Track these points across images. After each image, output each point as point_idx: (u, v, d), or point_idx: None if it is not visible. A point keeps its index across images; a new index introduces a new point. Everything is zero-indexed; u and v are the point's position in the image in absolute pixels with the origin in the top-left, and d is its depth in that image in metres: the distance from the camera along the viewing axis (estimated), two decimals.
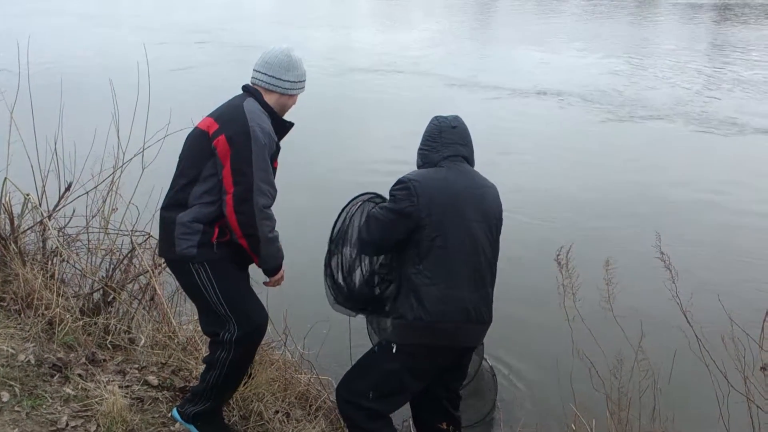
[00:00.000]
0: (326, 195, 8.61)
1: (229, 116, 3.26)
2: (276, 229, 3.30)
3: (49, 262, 4.64)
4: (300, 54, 3.50)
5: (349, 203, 3.77)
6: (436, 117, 3.67)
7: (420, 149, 3.63)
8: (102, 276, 4.84)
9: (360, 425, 3.50)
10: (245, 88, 3.45)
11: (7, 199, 4.64)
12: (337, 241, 3.73)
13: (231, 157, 3.15)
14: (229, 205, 3.15)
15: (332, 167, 9.71)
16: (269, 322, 4.14)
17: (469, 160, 3.60)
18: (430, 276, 3.31)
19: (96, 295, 4.73)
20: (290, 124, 3.51)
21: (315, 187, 8.76)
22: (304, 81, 3.50)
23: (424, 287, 3.31)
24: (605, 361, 3.54)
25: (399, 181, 3.43)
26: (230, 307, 3.27)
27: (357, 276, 3.73)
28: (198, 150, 3.27)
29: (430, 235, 3.32)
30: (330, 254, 3.73)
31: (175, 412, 3.47)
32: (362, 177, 8.69)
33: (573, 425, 3.44)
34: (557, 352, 4.33)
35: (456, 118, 3.65)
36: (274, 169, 3.40)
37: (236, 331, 3.25)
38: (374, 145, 10.97)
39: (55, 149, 4.99)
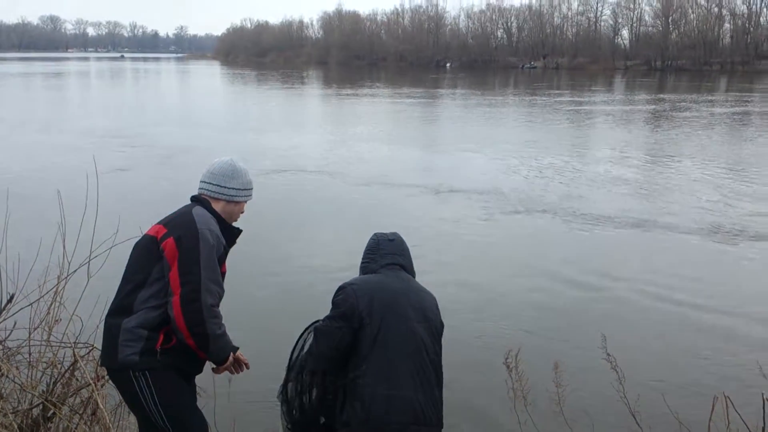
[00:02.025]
0: (276, 304, 8.64)
1: (178, 221, 3.35)
2: (223, 325, 3.34)
3: None
4: (245, 165, 3.65)
5: (304, 331, 3.80)
6: (375, 233, 3.87)
7: (361, 263, 3.76)
8: (42, 390, 4.68)
9: None
10: (193, 198, 3.55)
11: None
12: (295, 368, 3.73)
13: (179, 258, 3.21)
14: (176, 305, 3.17)
15: (277, 274, 9.72)
16: None
17: (407, 269, 3.72)
18: (372, 377, 3.30)
19: (35, 411, 4.56)
20: (238, 231, 3.59)
21: (267, 295, 8.74)
22: (251, 189, 3.63)
23: (368, 388, 3.29)
24: None
25: (338, 288, 3.53)
26: (169, 418, 3.24)
27: (313, 394, 3.69)
28: (146, 255, 3.31)
29: (371, 335, 3.35)
30: (286, 381, 3.73)
31: None
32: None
33: None
34: None
35: (394, 233, 3.86)
36: (223, 273, 3.45)
37: None
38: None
39: None
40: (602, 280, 9.39)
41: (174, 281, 3.19)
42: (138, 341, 3.21)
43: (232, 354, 3.50)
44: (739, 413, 3.11)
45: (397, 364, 3.33)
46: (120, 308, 3.29)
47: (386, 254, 3.69)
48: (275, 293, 8.92)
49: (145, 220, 3.64)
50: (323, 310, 3.56)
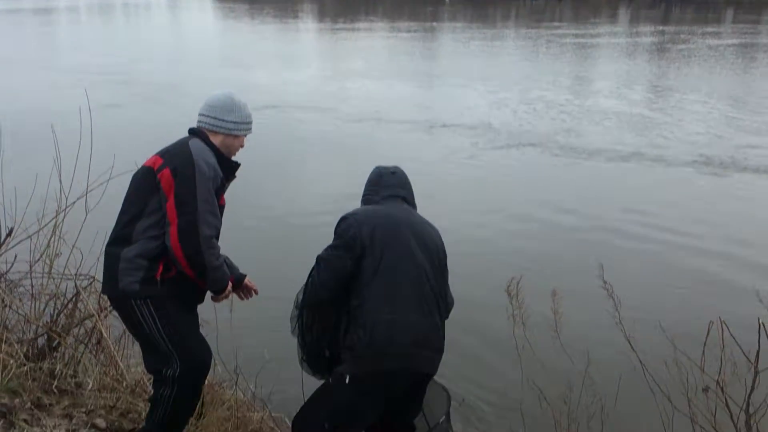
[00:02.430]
0: (274, 237, 8.70)
1: (175, 152, 3.34)
2: (220, 256, 3.35)
3: None
4: (243, 99, 3.60)
5: (313, 269, 3.83)
6: (377, 166, 3.86)
7: (363, 196, 3.77)
8: (46, 321, 4.74)
9: None
10: (191, 131, 3.52)
11: None
12: (303, 304, 3.79)
13: (175, 189, 3.20)
14: (173, 236, 3.18)
15: (280, 208, 9.75)
16: (220, 362, 4.14)
17: (409, 201, 3.73)
18: (375, 303, 3.35)
19: (41, 341, 4.63)
20: (236, 164, 3.57)
21: (263, 228, 8.79)
22: (250, 123, 3.59)
23: (370, 315, 3.34)
24: (554, 388, 3.63)
25: (340, 219, 3.55)
26: (172, 342, 3.27)
27: (315, 329, 3.76)
28: (143, 185, 3.31)
29: (374, 263, 3.38)
30: (299, 317, 3.78)
31: None
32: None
33: None
34: (508, 380, 4.41)
35: (396, 167, 3.85)
36: (222, 206, 3.45)
37: (179, 367, 3.26)
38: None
39: None
40: (597, 211, 9.46)
41: (171, 212, 3.20)
42: (138, 270, 3.23)
43: (230, 283, 3.53)
44: (734, 337, 3.17)
45: (398, 290, 3.37)
46: (119, 238, 3.30)
47: (388, 186, 3.69)
48: (272, 226, 8.98)
49: (140, 154, 3.62)
50: (321, 241, 3.58)
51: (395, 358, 3.35)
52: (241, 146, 3.61)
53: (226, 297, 3.55)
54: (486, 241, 8.41)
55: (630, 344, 3.49)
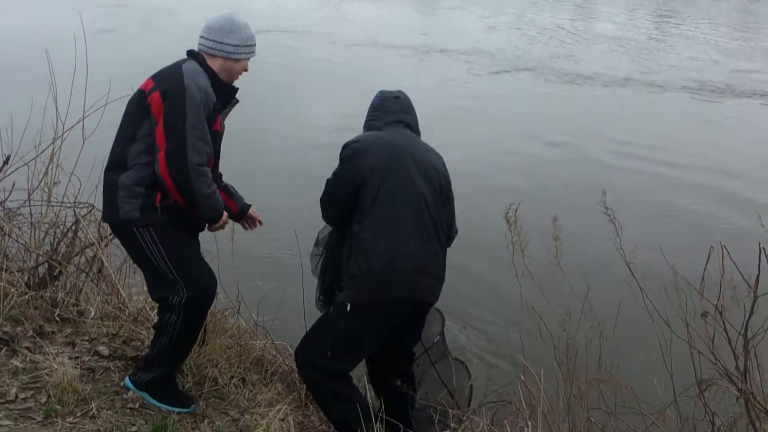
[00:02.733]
0: (271, 168, 8.64)
1: (166, 74, 3.25)
2: (213, 183, 3.28)
3: None
4: (245, 20, 3.44)
5: None
6: (380, 90, 3.79)
7: (365, 121, 3.71)
8: (46, 250, 4.74)
9: (319, 385, 3.56)
10: (189, 53, 3.40)
11: None
12: (319, 244, 3.89)
13: (164, 113, 3.12)
14: (161, 161, 3.11)
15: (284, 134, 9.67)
16: (222, 290, 4.15)
17: (413, 128, 3.67)
18: (374, 230, 3.35)
19: (41, 269, 4.63)
20: (233, 89, 3.45)
21: (260, 159, 8.72)
22: (252, 45, 3.43)
23: (370, 242, 3.34)
24: (553, 313, 3.63)
25: (343, 146, 3.52)
26: (177, 270, 3.25)
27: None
28: (135, 109, 3.24)
29: (373, 190, 3.36)
30: (320, 256, 3.85)
31: (127, 380, 3.45)
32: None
33: (522, 376, 3.52)
34: (508, 306, 4.42)
35: (399, 91, 3.78)
36: (218, 132, 3.36)
37: (185, 294, 3.24)
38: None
39: None
40: (595, 139, 9.37)
41: (160, 137, 3.12)
42: (136, 198, 3.19)
43: (225, 213, 3.47)
44: (734, 262, 3.14)
45: (398, 218, 3.36)
46: (115, 163, 3.25)
47: (391, 111, 3.62)
48: (269, 157, 8.90)
49: (136, 80, 3.53)
50: (320, 172, 3.56)
51: (395, 285, 3.37)
52: (244, 70, 3.48)
53: (221, 227, 3.50)
54: (483, 169, 8.34)
55: (630, 270, 3.46)
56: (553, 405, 3.39)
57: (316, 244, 3.95)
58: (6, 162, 4.86)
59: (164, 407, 3.37)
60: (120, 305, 4.45)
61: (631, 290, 3.54)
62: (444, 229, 3.55)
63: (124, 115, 3.33)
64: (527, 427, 3.18)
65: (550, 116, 10.32)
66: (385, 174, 3.38)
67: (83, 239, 4.88)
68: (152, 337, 3.49)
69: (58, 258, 4.61)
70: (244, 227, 3.84)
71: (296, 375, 4.31)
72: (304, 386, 4.18)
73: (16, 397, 3.16)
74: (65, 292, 4.53)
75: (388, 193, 3.36)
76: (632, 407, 3.44)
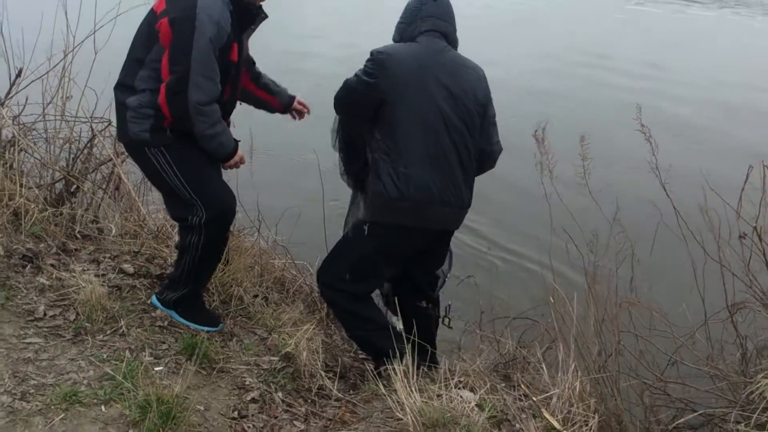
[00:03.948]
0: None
1: None
2: (217, 124, 3.09)
3: (6, 153, 4.42)
4: None
5: None
6: None
7: (398, 23, 3.47)
8: (62, 166, 4.66)
9: (340, 306, 3.56)
10: None
11: None
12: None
13: (171, 43, 2.92)
14: (162, 94, 2.96)
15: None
16: (242, 209, 4.09)
17: (450, 37, 3.42)
18: (389, 154, 3.26)
19: (59, 186, 4.57)
20: (258, 11, 3.18)
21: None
22: None
23: (384, 165, 3.26)
24: (583, 236, 3.57)
25: (369, 53, 3.32)
26: (195, 190, 3.15)
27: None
28: (146, 32, 3.04)
29: (391, 112, 3.24)
30: (338, 131, 3.68)
31: (154, 298, 3.42)
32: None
33: (552, 299, 3.49)
34: (536, 227, 4.36)
35: None
36: (234, 62, 3.14)
37: (204, 214, 3.15)
38: None
39: (1, 32, 4.68)
40: (632, 55, 9.01)
41: (164, 68, 2.94)
42: (146, 119, 3.04)
43: (241, 153, 3.31)
44: None
45: (413, 145, 3.24)
46: (124, 83, 3.10)
47: (428, 17, 3.35)
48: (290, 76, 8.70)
49: None
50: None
51: (407, 214, 3.30)
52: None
53: (235, 166, 3.34)
54: (511, 82, 8.09)
55: (664, 189, 3.39)
56: (583, 328, 3.36)
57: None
58: (18, 75, 4.73)
59: (192, 326, 3.35)
60: (140, 222, 4.41)
61: (665, 211, 3.47)
62: (471, 153, 3.40)
63: (135, 34, 3.14)
64: (558, 349, 3.15)
65: (584, 29, 9.93)
66: (406, 94, 3.22)
67: (98, 155, 4.81)
68: (176, 256, 3.44)
69: (75, 174, 4.54)
70: (293, 118, 3.74)
71: (317, 294, 4.32)
72: (325, 306, 4.21)
73: (45, 314, 3.14)
74: (84, 209, 4.48)
75: (406, 117, 3.22)
76: (661, 330, 3.41)
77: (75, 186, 4.53)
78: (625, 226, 3.49)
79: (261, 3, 3.19)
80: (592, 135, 3.65)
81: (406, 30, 3.39)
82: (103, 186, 4.75)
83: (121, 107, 3.12)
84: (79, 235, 4.14)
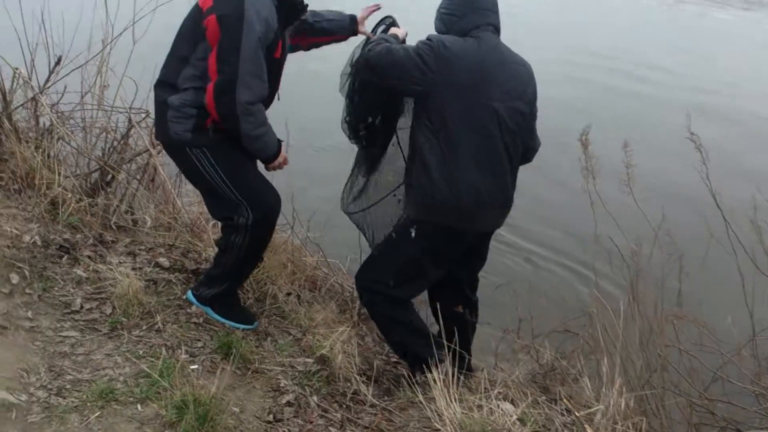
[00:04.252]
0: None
1: None
2: (264, 124, 3.04)
3: (44, 141, 4.41)
4: None
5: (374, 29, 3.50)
6: None
7: (444, 13, 3.25)
8: (98, 155, 4.64)
9: (381, 311, 3.47)
10: None
11: None
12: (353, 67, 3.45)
13: (219, 42, 2.85)
14: (209, 94, 2.89)
15: None
16: None
17: (498, 30, 3.27)
18: (442, 153, 3.13)
19: (94, 175, 4.55)
20: (302, 5, 3.12)
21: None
22: None
23: (435, 163, 3.15)
24: (627, 244, 3.48)
25: (429, 38, 3.13)
26: (240, 191, 3.09)
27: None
28: (192, 29, 2.97)
29: (443, 110, 3.10)
30: (350, 76, 3.46)
31: (190, 294, 3.39)
32: None
33: (594, 309, 3.40)
34: (580, 234, 4.27)
35: None
36: (277, 59, 3.08)
37: (250, 215, 3.10)
38: None
39: (42, 20, 4.66)
40: (683, 62, 8.77)
41: (212, 66, 2.88)
42: (188, 119, 2.98)
43: (284, 155, 3.24)
44: None
45: (468, 147, 3.13)
46: (166, 81, 3.04)
47: (482, 10, 3.18)
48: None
49: None
50: None
51: (458, 217, 3.22)
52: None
53: (278, 167, 3.27)
54: (555, 88, 7.92)
55: (715, 200, 3.29)
56: (626, 340, 3.27)
57: (349, 63, 3.49)
58: (58, 63, 4.71)
59: (228, 323, 3.31)
60: (174, 215, 4.37)
61: (710, 222, 3.37)
62: (519, 151, 3.32)
63: (179, 31, 3.07)
64: (601, 362, 3.05)
65: (629, 35, 9.71)
66: (463, 98, 3.10)
67: (135, 146, 4.79)
68: (216, 254, 3.39)
69: (111, 164, 4.52)
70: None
71: (348, 294, 4.27)
72: (357, 306, 4.15)
73: (81, 307, 3.11)
74: (118, 200, 4.46)
75: (461, 119, 3.10)
76: (707, 345, 3.31)
77: (110, 176, 4.51)
78: (672, 237, 3.38)
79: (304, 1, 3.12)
80: (636, 141, 3.56)
81: (457, 23, 3.19)
82: (138, 176, 4.73)
83: (161, 106, 3.05)
84: (114, 226, 4.11)
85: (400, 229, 3.39)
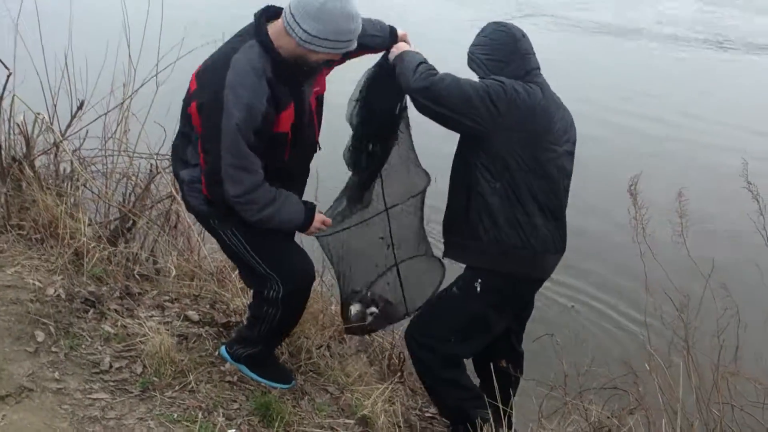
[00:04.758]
0: None
1: (209, 76, 2.66)
2: (270, 204, 2.75)
3: (67, 187, 4.28)
4: (355, 9, 2.63)
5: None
6: (498, 23, 3.17)
7: (486, 58, 3.09)
8: (119, 201, 4.52)
9: (435, 371, 3.29)
10: (263, 13, 2.71)
11: (22, 119, 4.23)
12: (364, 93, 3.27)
13: (202, 128, 2.66)
14: (203, 184, 2.74)
15: None
16: None
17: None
18: (507, 198, 3.01)
19: (115, 222, 4.42)
20: (308, 72, 2.77)
21: None
22: (342, 42, 2.62)
23: (501, 209, 3.01)
24: (678, 296, 3.32)
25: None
26: (268, 264, 2.90)
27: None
28: (184, 109, 2.78)
29: (513, 154, 2.97)
30: (357, 102, 3.27)
31: (223, 351, 3.22)
32: None
33: (647, 365, 3.23)
34: (630, 287, 4.11)
35: (514, 26, 3.17)
36: (280, 134, 2.76)
37: (281, 289, 2.91)
38: None
39: (66, 64, 4.57)
40: (728, 108, 8.66)
41: (200, 154, 2.71)
42: (200, 193, 2.81)
43: (317, 215, 2.96)
44: None
45: (533, 192, 3.03)
46: (177, 152, 2.90)
47: (527, 56, 3.07)
48: None
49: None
50: None
51: (529, 263, 3.10)
52: (333, 61, 2.89)
53: (317, 228, 2.99)
54: (600, 135, 7.83)
55: None
56: (680, 398, 3.09)
57: (359, 89, 3.28)
58: (80, 108, 4.62)
59: (264, 382, 3.14)
60: (199, 263, 4.23)
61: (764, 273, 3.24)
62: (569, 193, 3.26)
63: (182, 105, 2.84)
64: (662, 422, 2.87)
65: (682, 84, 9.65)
66: (529, 144, 2.99)
67: (156, 192, 4.67)
68: (248, 316, 3.19)
69: (134, 210, 4.39)
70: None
71: (378, 345, 4.12)
72: (387, 356, 4.00)
73: (110, 366, 2.94)
74: (139, 247, 4.32)
75: (527, 165, 2.99)
76: (761, 402, 3.14)
77: (131, 221, 4.38)
78: (728, 289, 3.23)
79: (317, 61, 2.74)
80: (687, 188, 3.43)
81: (505, 69, 3.04)
82: (160, 222, 4.61)
83: (177, 177, 2.94)
84: (137, 276, 3.96)
85: (462, 283, 3.23)
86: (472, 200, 3.08)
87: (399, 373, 3.90)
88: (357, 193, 3.46)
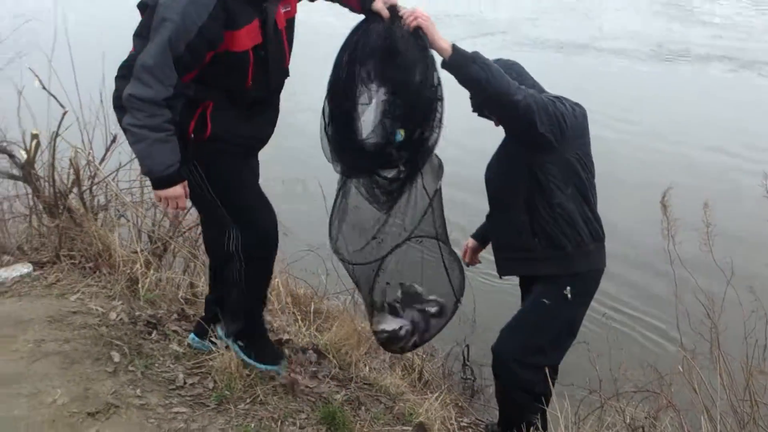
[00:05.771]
0: None
1: None
2: (151, 129, 2.56)
3: (112, 218, 4.44)
4: None
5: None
6: (500, 59, 3.30)
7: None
8: (149, 227, 4.67)
9: (537, 389, 3.27)
10: None
11: (74, 154, 4.37)
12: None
13: (137, 26, 2.72)
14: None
15: None
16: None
17: None
18: (579, 199, 3.24)
19: (154, 248, 4.56)
20: None
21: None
22: None
23: (576, 211, 3.22)
24: (706, 304, 3.50)
25: (559, 98, 3.15)
26: (229, 209, 2.91)
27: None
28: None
29: (579, 160, 3.21)
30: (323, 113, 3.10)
31: (219, 331, 3.29)
32: None
33: (680, 367, 3.41)
34: (655, 296, 4.29)
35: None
36: (234, 53, 2.67)
37: (240, 237, 2.93)
38: None
39: (101, 100, 4.73)
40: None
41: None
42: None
43: (175, 188, 2.73)
44: None
45: (591, 186, 3.31)
46: None
47: (528, 79, 3.26)
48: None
49: None
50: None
51: (604, 253, 3.40)
52: None
53: (166, 199, 2.76)
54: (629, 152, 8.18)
55: None
56: (713, 397, 3.27)
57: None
58: (113, 141, 4.78)
59: (258, 366, 3.24)
60: None
61: None
62: None
63: None
64: (701, 419, 3.05)
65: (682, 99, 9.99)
66: (582, 148, 3.26)
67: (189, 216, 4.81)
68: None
69: (169, 236, 4.55)
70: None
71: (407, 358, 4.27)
72: (416, 371, 4.16)
73: (185, 382, 3.10)
74: (181, 271, 4.47)
75: (584, 167, 3.26)
76: None
77: (164, 247, 4.53)
78: (756, 293, 3.43)
79: None
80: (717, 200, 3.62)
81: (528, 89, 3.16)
82: (192, 247, 4.75)
83: None
84: (182, 299, 4.11)
85: (552, 293, 3.27)
86: (543, 212, 3.20)
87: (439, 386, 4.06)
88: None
